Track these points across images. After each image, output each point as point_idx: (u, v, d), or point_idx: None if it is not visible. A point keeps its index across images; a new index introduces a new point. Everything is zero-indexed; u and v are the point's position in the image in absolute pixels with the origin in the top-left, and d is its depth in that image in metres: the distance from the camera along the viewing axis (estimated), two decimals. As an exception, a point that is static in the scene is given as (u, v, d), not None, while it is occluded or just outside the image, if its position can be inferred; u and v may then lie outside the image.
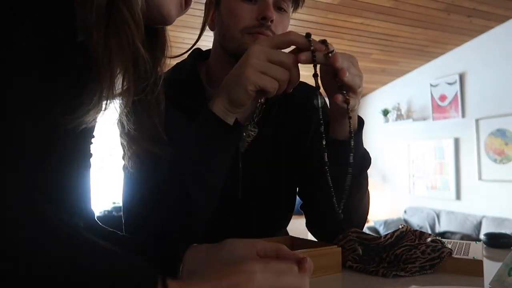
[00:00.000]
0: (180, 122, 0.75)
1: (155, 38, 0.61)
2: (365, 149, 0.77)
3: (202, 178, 0.66)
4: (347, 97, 0.62)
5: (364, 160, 0.76)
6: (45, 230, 0.34)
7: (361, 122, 0.74)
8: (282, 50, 0.63)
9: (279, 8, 0.79)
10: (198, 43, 0.94)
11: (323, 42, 0.61)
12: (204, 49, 0.91)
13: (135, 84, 0.52)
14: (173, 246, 0.56)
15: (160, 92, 0.61)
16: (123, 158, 0.77)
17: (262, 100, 0.65)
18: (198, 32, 0.80)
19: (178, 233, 0.68)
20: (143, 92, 0.57)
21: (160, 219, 0.67)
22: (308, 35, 0.61)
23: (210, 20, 0.84)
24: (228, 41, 0.78)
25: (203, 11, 0.85)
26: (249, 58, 0.60)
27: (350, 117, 0.64)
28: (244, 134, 0.67)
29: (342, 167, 0.72)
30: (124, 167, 0.75)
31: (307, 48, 0.60)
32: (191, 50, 0.90)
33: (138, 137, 0.60)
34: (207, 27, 0.86)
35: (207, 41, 0.86)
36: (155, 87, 0.59)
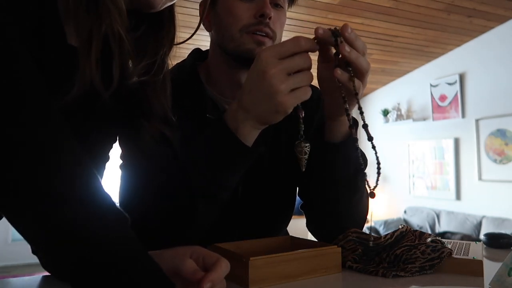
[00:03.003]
0: (192, 135, 0.74)
1: (161, 23, 0.62)
2: (361, 150, 0.77)
3: (213, 193, 0.65)
4: (352, 76, 0.59)
5: (361, 162, 0.76)
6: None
7: (355, 123, 0.73)
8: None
9: (276, 5, 0.78)
10: (199, 43, 0.94)
11: (335, 34, 0.58)
12: (204, 49, 0.91)
13: (123, 68, 0.55)
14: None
15: (166, 75, 0.63)
16: (121, 157, 0.76)
17: (302, 114, 0.63)
18: (198, 32, 0.79)
19: (176, 238, 0.67)
20: (147, 74, 0.60)
21: (159, 223, 0.66)
22: (335, 33, 0.58)
23: (207, 20, 0.83)
24: (227, 41, 0.77)
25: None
26: (273, 86, 0.56)
27: (357, 94, 0.60)
28: (302, 152, 0.65)
29: (339, 170, 0.71)
30: (122, 166, 0.75)
31: (315, 50, 0.59)
32: (191, 51, 0.90)
33: (149, 115, 0.63)
34: (202, 27, 0.85)
35: (206, 41, 0.86)
36: (159, 70, 0.62)
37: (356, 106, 0.62)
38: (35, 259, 0.61)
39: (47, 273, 0.65)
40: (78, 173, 0.42)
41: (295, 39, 0.59)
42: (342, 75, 0.59)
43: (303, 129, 0.63)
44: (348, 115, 0.61)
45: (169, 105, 0.64)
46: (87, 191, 0.42)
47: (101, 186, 0.45)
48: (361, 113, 0.62)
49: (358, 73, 0.60)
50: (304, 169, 0.64)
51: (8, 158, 0.38)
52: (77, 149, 0.43)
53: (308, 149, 0.63)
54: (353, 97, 0.60)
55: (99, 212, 0.43)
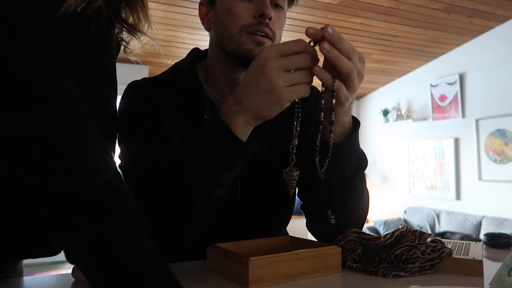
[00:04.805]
0: (186, 132, 0.74)
1: None
2: (362, 151, 0.77)
3: (208, 189, 0.65)
4: (334, 77, 0.60)
5: (361, 161, 0.76)
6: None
7: (356, 123, 0.73)
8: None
9: (276, 5, 0.78)
10: (197, 43, 0.94)
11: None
12: (203, 49, 0.91)
13: None
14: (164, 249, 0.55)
15: None
16: (119, 157, 0.76)
17: (296, 143, 0.64)
18: (198, 32, 0.80)
19: (173, 236, 0.67)
20: None
21: (156, 221, 0.66)
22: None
23: (206, 20, 0.83)
24: (227, 41, 0.77)
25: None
26: (271, 80, 0.58)
27: (334, 94, 0.61)
28: (292, 179, 0.65)
29: (337, 170, 0.71)
30: (120, 166, 0.75)
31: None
32: (190, 51, 0.90)
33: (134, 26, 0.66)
34: (201, 26, 0.84)
35: (205, 41, 0.86)
36: None
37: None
38: (35, 259, 0.61)
39: (47, 273, 0.65)
40: None
41: (298, 41, 0.59)
42: (320, 72, 0.59)
43: (293, 157, 0.64)
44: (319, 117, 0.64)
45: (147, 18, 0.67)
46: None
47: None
48: (331, 122, 0.64)
49: (341, 75, 0.60)
50: (291, 195, 0.67)
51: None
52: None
53: (297, 175, 0.65)
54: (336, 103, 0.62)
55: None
